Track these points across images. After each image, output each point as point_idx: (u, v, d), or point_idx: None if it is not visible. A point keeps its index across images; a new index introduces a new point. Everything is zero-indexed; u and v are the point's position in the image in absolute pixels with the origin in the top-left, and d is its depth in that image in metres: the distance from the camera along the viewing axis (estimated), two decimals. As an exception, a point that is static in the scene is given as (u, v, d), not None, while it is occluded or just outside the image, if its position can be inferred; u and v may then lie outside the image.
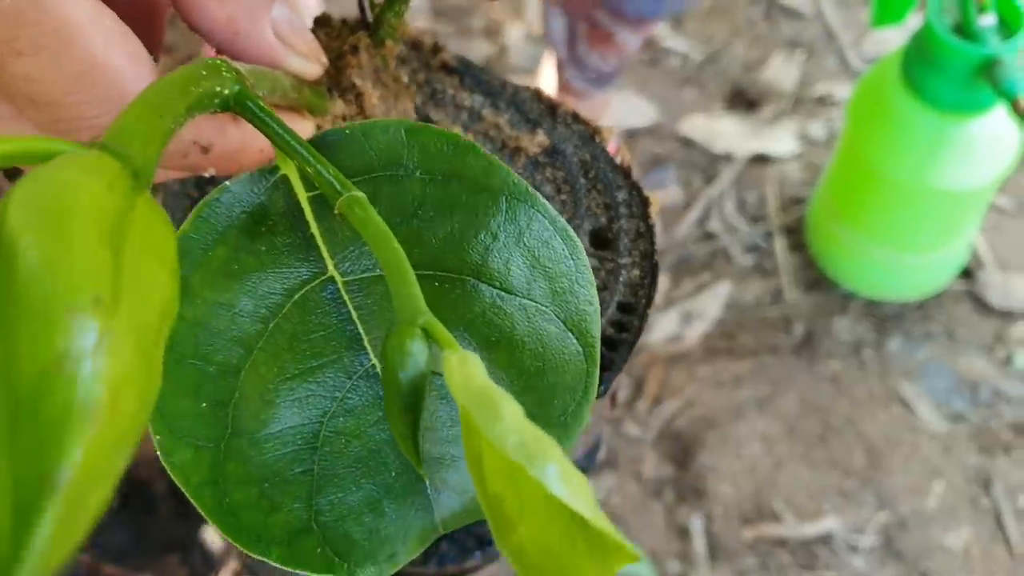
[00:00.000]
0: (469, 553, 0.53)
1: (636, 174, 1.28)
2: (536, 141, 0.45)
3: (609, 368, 0.42)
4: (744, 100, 1.38)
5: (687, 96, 1.38)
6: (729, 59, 1.42)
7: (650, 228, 0.44)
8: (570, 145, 0.46)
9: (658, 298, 1.22)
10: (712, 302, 1.21)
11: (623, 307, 0.43)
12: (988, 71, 0.93)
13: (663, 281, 1.23)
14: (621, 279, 0.43)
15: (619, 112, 1.32)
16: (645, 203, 0.44)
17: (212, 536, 0.83)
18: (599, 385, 0.42)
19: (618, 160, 0.45)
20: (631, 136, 1.34)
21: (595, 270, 0.44)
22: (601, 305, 0.43)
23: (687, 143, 1.34)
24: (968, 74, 0.95)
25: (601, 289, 0.43)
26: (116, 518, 0.80)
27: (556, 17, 1.05)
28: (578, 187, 0.45)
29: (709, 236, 1.26)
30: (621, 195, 0.45)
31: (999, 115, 1.00)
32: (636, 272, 0.44)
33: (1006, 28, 0.95)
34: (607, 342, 0.42)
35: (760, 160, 1.32)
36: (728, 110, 1.37)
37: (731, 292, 1.22)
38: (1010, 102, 0.91)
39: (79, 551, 0.76)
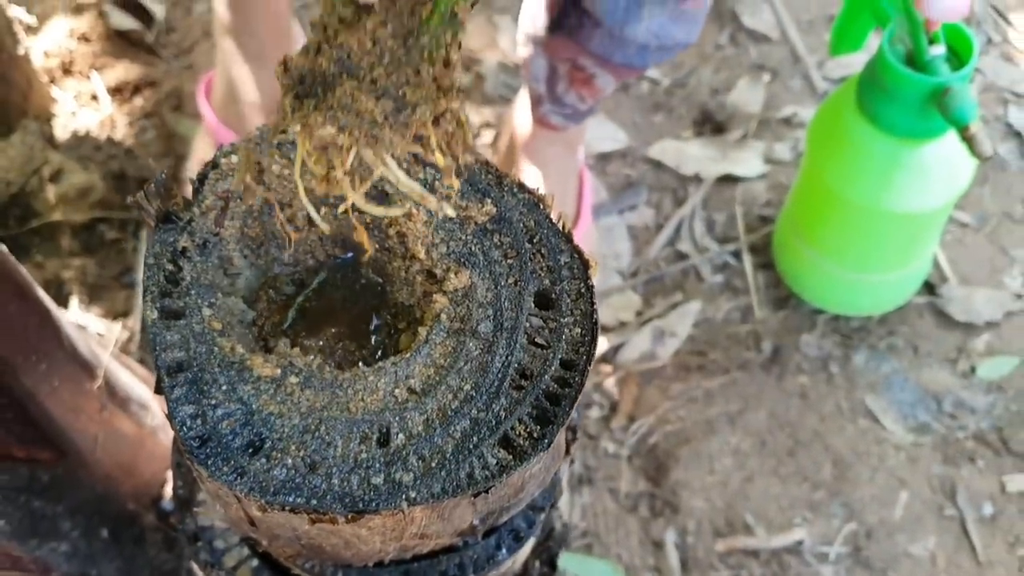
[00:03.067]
0: None
1: (608, 197, 1.32)
2: (484, 210, 0.48)
3: (553, 422, 0.45)
4: (712, 123, 1.42)
5: (657, 120, 1.42)
6: (697, 83, 1.46)
7: (590, 289, 0.48)
8: (516, 212, 0.49)
9: (631, 317, 1.26)
10: (684, 320, 1.25)
11: (566, 364, 0.47)
12: (939, 100, 0.96)
13: (637, 300, 1.27)
14: (563, 338, 0.47)
15: (591, 137, 1.36)
16: (586, 266, 0.48)
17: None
18: (543, 439, 0.46)
19: (560, 225, 0.49)
20: (603, 160, 1.38)
21: (539, 329, 0.48)
22: (544, 363, 0.47)
23: (657, 166, 1.38)
24: (920, 102, 0.98)
25: (544, 347, 0.47)
26: (107, 551, 0.83)
27: (539, 57, 1.08)
28: (523, 252, 0.49)
29: (680, 256, 1.30)
30: (563, 258, 0.49)
31: (952, 139, 1.04)
32: (578, 330, 0.48)
33: (956, 58, 0.99)
34: (550, 397, 0.46)
35: (728, 181, 1.36)
36: (696, 133, 1.41)
37: (702, 310, 1.26)
38: (960, 130, 0.95)
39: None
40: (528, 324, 0.48)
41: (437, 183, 0.45)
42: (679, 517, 1.12)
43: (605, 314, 1.25)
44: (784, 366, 1.21)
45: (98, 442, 0.80)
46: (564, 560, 1.09)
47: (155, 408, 0.91)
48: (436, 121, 0.39)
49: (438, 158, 0.39)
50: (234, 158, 0.46)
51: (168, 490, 0.89)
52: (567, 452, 0.64)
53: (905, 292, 1.23)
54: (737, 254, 1.30)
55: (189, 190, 0.52)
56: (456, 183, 0.38)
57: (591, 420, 1.18)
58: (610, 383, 1.20)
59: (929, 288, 1.26)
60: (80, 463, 0.78)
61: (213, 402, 0.45)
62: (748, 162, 1.37)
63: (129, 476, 0.85)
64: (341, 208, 0.38)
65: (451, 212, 0.39)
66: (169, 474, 0.88)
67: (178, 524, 0.63)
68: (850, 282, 1.19)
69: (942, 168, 1.06)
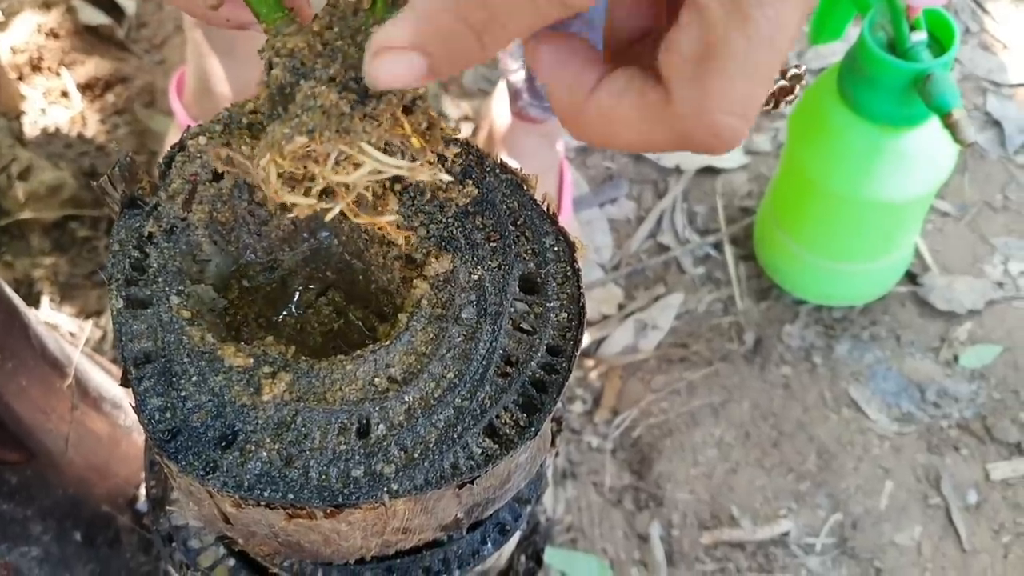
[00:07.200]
0: None
1: (589, 190, 1.31)
2: (465, 192, 0.47)
3: (540, 409, 0.44)
4: (692, 114, 1.41)
5: (636, 111, 1.41)
6: (677, 73, 1.45)
7: (576, 272, 0.46)
8: (499, 194, 0.48)
9: (614, 310, 1.24)
10: (666, 313, 1.24)
11: (552, 350, 0.45)
12: (921, 86, 0.96)
13: (618, 293, 1.26)
14: (550, 323, 0.46)
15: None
16: (571, 248, 0.47)
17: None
18: (530, 428, 0.44)
19: (544, 206, 0.47)
20: (583, 152, 1.36)
21: (524, 314, 0.46)
22: (530, 349, 0.46)
23: (637, 158, 1.36)
24: (901, 89, 0.98)
25: (530, 333, 0.46)
26: (80, 554, 0.81)
27: (518, 49, 1.06)
28: (507, 235, 0.47)
29: (661, 248, 1.29)
30: (548, 241, 0.47)
31: (934, 127, 1.03)
32: (564, 315, 0.46)
33: (937, 45, 0.99)
34: (537, 384, 0.45)
35: (708, 172, 1.35)
36: (677, 124, 1.40)
37: (684, 302, 1.25)
38: (942, 116, 0.94)
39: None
40: (513, 309, 0.46)
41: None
42: (664, 510, 1.11)
43: (587, 308, 1.23)
44: (767, 357, 1.20)
45: (69, 443, 0.77)
46: (549, 555, 1.07)
47: (130, 408, 0.89)
48: (407, 110, 0.38)
49: (414, 142, 0.37)
50: (201, 140, 0.45)
51: (144, 491, 0.86)
52: (552, 443, 0.62)
53: (887, 282, 1.22)
54: (718, 246, 1.29)
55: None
56: (431, 161, 0.37)
57: (574, 414, 1.17)
58: (593, 377, 1.19)
59: (911, 277, 1.26)
60: (50, 464, 0.75)
61: (183, 394, 0.43)
62: (728, 153, 1.36)
63: (103, 477, 0.83)
64: (328, 216, 0.37)
65: (446, 177, 0.37)
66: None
67: (152, 524, 0.61)
68: (832, 272, 1.18)
69: (924, 156, 1.05)
